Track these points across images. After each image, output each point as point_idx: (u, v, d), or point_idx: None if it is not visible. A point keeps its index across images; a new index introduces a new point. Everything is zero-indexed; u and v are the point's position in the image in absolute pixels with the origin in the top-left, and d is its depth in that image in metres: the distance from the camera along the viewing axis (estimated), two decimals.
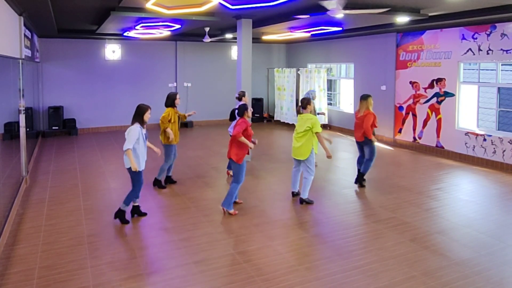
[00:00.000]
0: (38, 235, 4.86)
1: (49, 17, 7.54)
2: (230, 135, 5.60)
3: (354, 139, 6.90)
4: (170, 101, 6.53)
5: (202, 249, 4.48)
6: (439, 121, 9.38)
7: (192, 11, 6.76)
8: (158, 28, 9.44)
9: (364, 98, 6.62)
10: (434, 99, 9.47)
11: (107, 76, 12.54)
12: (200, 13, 7.64)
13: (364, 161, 6.77)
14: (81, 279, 3.85)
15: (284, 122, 13.67)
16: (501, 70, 8.40)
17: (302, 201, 5.93)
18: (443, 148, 9.26)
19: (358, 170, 6.88)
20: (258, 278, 3.87)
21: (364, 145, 6.68)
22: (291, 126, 13.22)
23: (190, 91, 13.58)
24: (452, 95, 9.05)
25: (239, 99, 7.08)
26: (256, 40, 12.49)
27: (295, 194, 6.22)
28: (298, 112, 6.03)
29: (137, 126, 5.07)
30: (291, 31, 10.31)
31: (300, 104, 5.97)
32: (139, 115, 5.13)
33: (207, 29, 10.58)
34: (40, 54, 11.52)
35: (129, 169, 5.09)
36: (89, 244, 4.61)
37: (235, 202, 5.84)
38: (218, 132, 12.35)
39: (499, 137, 8.11)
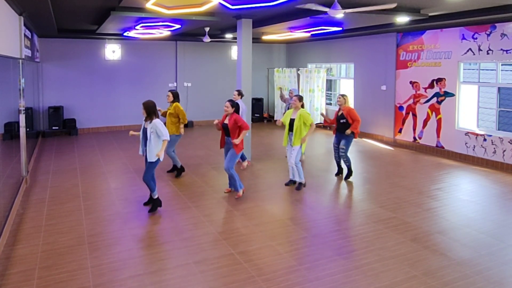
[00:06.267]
0: (38, 235, 4.86)
1: (49, 17, 7.53)
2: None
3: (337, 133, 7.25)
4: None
5: (202, 249, 4.48)
6: (439, 121, 9.38)
7: (192, 11, 6.76)
8: (158, 28, 9.43)
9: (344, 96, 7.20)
10: (434, 99, 9.47)
11: (107, 76, 12.54)
12: (200, 13, 7.64)
13: (344, 154, 7.16)
14: (82, 279, 3.85)
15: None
16: (501, 70, 8.39)
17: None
18: (443, 148, 9.26)
19: (339, 163, 7.44)
20: (258, 278, 3.87)
21: (347, 136, 7.10)
22: None
23: (190, 91, 13.58)
24: (452, 95, 9.05)
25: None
26: (256, 40, 12.49)
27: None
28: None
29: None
30: (291, 31, 10.30)
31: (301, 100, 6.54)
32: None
33: (207, 29, 10.58)
34: (40, 54, 11.52)
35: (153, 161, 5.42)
36: (89, 244, 4.61)
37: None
38: (218, 132, 12.34)
39: (499, 137, 8.11)
